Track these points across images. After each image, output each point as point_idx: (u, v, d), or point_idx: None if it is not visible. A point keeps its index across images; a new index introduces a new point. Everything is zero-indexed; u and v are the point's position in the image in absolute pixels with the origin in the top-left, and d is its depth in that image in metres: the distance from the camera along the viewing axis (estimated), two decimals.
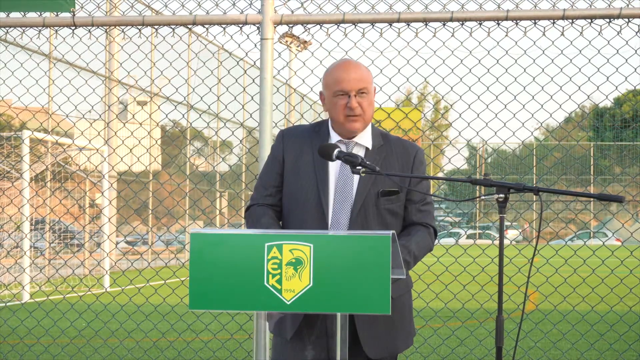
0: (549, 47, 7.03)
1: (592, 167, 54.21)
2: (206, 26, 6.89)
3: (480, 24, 6.65)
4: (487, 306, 8.33)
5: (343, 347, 4.02)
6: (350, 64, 4.47)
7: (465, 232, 50.84)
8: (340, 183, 4.42)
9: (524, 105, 7.36)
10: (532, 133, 8.65)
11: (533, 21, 6.60)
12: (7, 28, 7.39)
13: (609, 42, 6.82)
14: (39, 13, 7.03)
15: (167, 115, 25.10)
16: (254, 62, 7.12)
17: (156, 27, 7.05)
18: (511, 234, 42.01)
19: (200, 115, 11.17)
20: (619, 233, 35.94)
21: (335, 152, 4.24)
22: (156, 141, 28.36)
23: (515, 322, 13.33)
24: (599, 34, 6.61)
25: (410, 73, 7.36)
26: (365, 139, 4.49)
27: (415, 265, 4.42)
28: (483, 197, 4.37)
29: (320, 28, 6.71)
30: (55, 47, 17.70)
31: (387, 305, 3.82)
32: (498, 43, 6.92)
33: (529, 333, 10.86)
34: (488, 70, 7.01)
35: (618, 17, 6.45)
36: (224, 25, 6.73)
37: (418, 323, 4.93)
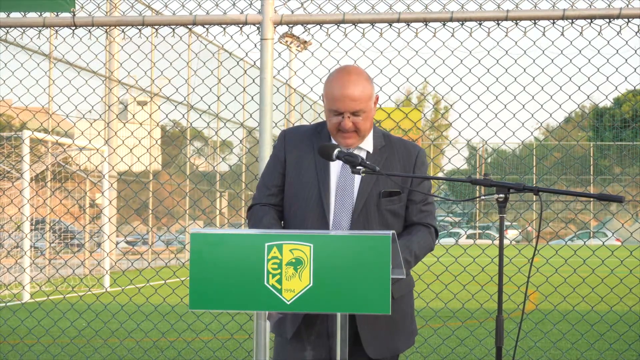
0: (549, 47, 7.04)
1: (591, 167, 54.25)
2: (206, 26, 6.89)
3: (480, 24, 6.66)
4: (487, 306, 8.34)
5: (343, 347, 4.02)
6: (350, 79, 4.32)
7: (465, 232, 50.90)
8: (341, 183, 4.42)
9: (523, 106, 7.36)
10: (532, 133, 8.66)
11: (533, 21, 6.60)
12: (7, 28, 7.40)
13: (608, 42, 6.83)
14: (39, 13, 7.03)
15: (167, 115, 25.09)
16: (254, 62, 7.12)
17: (156, 27, 7.06)
18: (511, 234, 42.07)
19: (200, 115, 11.15)
20: (618, 233, 35.96)
21: (335, 152, 4.23)
22: (156, 141, 28.39)
23: (515, 322, 13.34)
24: (599, 34, 6.62)
25: (410, 73, 7.36)
26: (366, 143, 4.45)
27: (416, 265, 4.43)
28: (483, 197, 4.37)
29: (320, 28, 6.71)
30: (56, 47, 17.67)
31: (387, 305, 3.82)
32: (498, 43, 6.93)
33: (528, 333, 10.87)
34: (488, 70, 7.02)
35: (618, 17, 6.46)
36: (224, 26, 6.73)
37: (418, 323, 4.92)
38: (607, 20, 6.53)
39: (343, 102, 4.28)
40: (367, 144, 4.45)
